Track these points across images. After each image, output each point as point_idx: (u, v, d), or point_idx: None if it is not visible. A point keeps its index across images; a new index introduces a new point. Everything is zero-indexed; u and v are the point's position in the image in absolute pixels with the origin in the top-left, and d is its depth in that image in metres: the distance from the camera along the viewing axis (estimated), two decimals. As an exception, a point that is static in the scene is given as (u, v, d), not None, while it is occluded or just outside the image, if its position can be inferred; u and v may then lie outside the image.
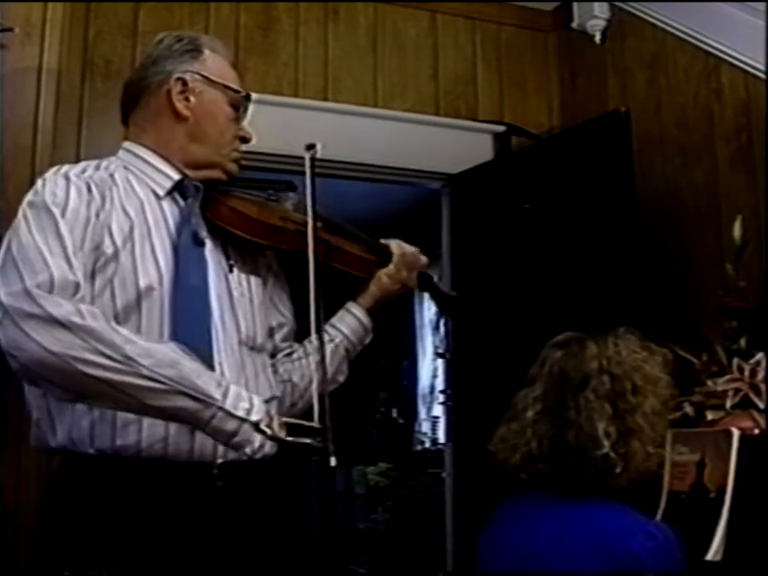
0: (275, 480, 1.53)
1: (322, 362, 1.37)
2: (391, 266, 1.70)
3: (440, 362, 4.85)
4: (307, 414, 1.40)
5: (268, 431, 1.30)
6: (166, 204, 1.50)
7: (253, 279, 1.57)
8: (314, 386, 1.37)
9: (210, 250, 1.51)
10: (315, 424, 1.29)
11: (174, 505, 1.37)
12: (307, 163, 1.49)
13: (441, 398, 4.45)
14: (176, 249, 1.45)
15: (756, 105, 2.37)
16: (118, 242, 1.41)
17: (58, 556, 1.38)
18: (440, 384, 5.15)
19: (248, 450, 1.34)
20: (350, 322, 1.67)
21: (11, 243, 1.34)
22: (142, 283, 1.40)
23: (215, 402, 1.30)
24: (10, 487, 1.89)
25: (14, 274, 1.29)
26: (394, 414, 6.22)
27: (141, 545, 1.34)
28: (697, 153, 2.58)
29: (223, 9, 2.80)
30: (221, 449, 1.40)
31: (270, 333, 1.63)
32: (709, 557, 1.77)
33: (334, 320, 1.68)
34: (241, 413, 1.31)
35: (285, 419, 1.34)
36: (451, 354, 3.16)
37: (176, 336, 1.39)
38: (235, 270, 1.54)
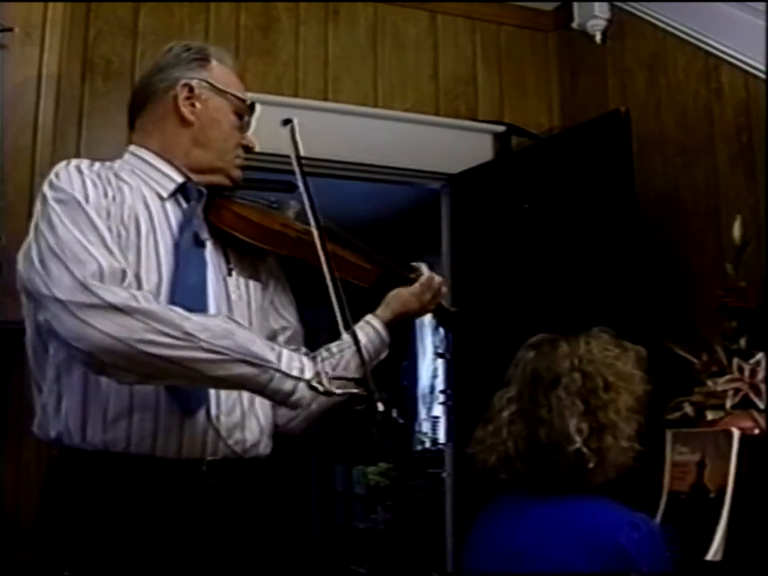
0: (268, 479, 1.53)
1: (355, 339, 1.42)
2: (417, 285, 1.73)
3: (440, 361, 4.85)
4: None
5: (320, 387, 1.34)
6: (170, 206, 1.52)
7: (252, 284, 1.59)
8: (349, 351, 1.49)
9: (209, 253, 1.53)
10: (356, 375, 1.38)
11: (163, 502, 1.37)
12: (290, 138, 1.49)
13: (441, 397, 4.45)
14: (177, 249, 1.47)
15: (756, 105, 2.37)
16: (131, 230, 1.44)
17: (50, 552, 1.39)
18: (440, 384, 5.16)
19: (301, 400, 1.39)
20: (368, 333, 1.68)
21: (48, 240, 1.35)
22: (142, 279, 1.41)
23: (272, 365, 1.34)
24: (10, 486, 1.89)
25: (62, 268, 1.31)
26: (394, 414, 6.21)
27: (131, 543, 1.35)
28: (697, 153, 2.58)
29: (223, 9, 2.80)
30: (209, 447, 1.41)
31: (274, 336, 1.64)
32: (709, 557, 1.77)
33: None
34: (296, 372, 1.35)
35: (331, 374, 1.40)
36: (451, 354, 3.16)
37: None
38: (234, 273, 1.56)
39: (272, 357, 1.35)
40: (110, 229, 1.39)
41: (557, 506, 1.45)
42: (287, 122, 1.51)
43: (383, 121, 2.96)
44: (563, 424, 1.45)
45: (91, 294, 1.29)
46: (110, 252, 1.35)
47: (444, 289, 1.78)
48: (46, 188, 1.41)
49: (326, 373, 1.39)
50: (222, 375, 1.32)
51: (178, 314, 1.32)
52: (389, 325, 1.70)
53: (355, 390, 1.35)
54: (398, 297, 1.72)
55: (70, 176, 1.42)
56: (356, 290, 1.66)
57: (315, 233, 1.44)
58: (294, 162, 1.48)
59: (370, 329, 1.68)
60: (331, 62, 2.94)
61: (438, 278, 1.76)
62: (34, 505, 1.86)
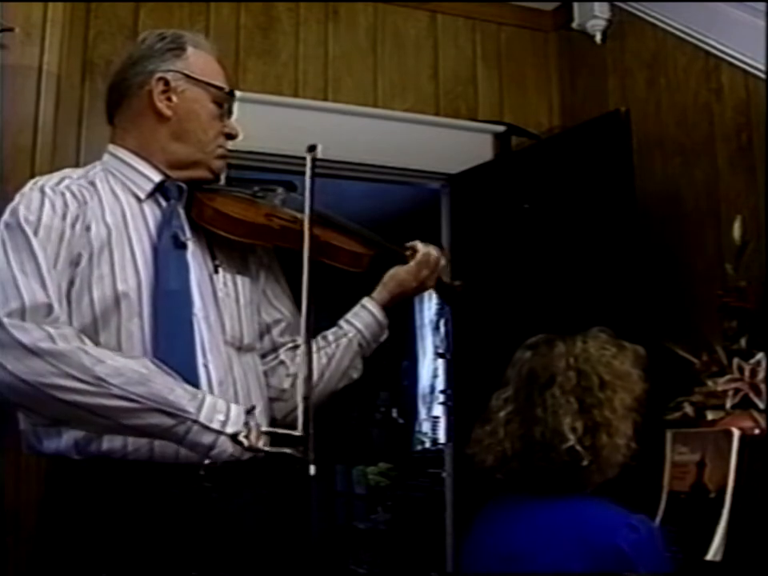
0: (266, 480, 1.52)
1: (308, 364, 1.32)
2: (412, 264, 1.69)
3: (440, 361, 4.85)
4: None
5: (245, 442, 1.28)
6: (147, 207, 1.49)
7: (239, 279, 1.56)
8: (299, 391, 1.32)
9: (193, 251, 1.50)
10: (297, 432, 1.26)
11: (162, 506, 1.36)
12: (308, 165, 1.48)
13: (441, 398, 4.45)
14: (156, 252, 1.45)
15: (756, 105, 2.37)
16: (95, 248, 1.41)
17: (50, 556, 1.39)
18: (440, 384, 5.16)
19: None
20: (364, 317, 1.66)
21: None
22: (120, 288, 1.39)
23: (189, 416, 1.28)
24: (10, 487, 1.89)
25: None
26: (394, 413, 6.22)
27: (130, 547, 1.34)
28: (697, 153, 2.58)
29: (223, 9, 2.80)
30: None
31: (267, 329, 1.62)
32: (709, 557, 1.77)
33: (348, 315, 1.67)
34: (216, 425, 1.29)
35: (265, 428, 1.32)
36: (451, 354, 3.16)
37: (157, 340, 1.39)
38: (221, 270, 1.53)
39: (190, 407, 1.29)
40: (56, 256, 1.37)
41: (555, 506, 1.45)
42: (312, 148, 1.45)
43: (383, 121, 2.96)
44: (557, 422, 1.45)
45: (4, 331, 1.27)
46: (43, 284, 1.33)
47: (443, 262, 1.73)
48: (7, 210, 1.41)
49: (258, 426, 1.31)
50: (135, 423, 1.29)
51: (91, 356, 1.29)
52: (387, 307, 1.67)
53: (287, 450, 1.26)
54: (395, 277, 1.69)
55: (30, 198, 1.41)
56: (355, 273, 1.64)
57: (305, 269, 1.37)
58: (307, 191, 1.43)
59: (365, 313, 1.66)
60: (331, 62, 2.94)
61: (434, 253, 1.72)
62: (34, 505, 1.86)
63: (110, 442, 1.36)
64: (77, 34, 2.53)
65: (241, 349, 1.52)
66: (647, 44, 2.81)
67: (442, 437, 5.12)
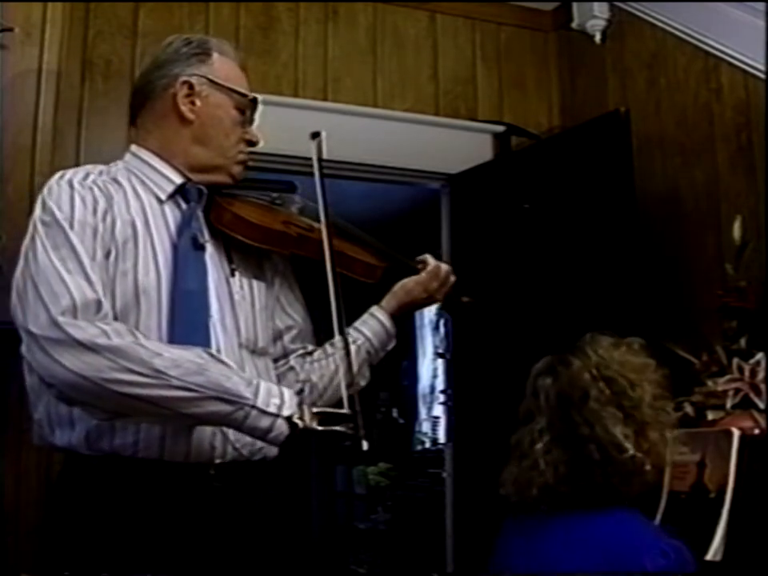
0: (275, 480, 1.52)
1: (346, 349, 1.38)
2: (423, 274, 1.71)
3: (440, 361, 4.85)
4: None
5: (300, 423, 1.31)
6: (168, 208, 1.51)
7: (255, 283, 1.58)
8: (341, 373, 1.38)
9: (211, 254, 1.51)
10: (345, 410, 1.31)
11: (171, 506, 1.37)
12: (314, 152, 1.48)
13: (441, 398, 4.45)
14: (176, 252, 1.46)
15: (756, 105, 2.36)
16: (120, 243, 1.42)
17: (57, 556, 1.39)
18: (440, 384, 5.16)
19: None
20: (372, 326, 1.67)
21: (30, 266, 1.35)
22: (141, 286, 1.41)
23: (247, 402, 1.31)
24: (10, 487, 1.89)
25: (38, 302, 1.31)
26: (394, 413, 6.22)
27: (139, 546, 1.34)
28: (697, 153, 2.58)
29: (223, 9, 2.80)
30: (218, 450, 1.41)
31: (279, 335, 1.64)
32: (709, 557, 1.77)
33: (357, 323, 1.68)
34: (272, 409, 1.32)
35: (315, 409, 1.35)
36: (451, 354, 3.16)
37: (173, 339, 1.40)
38: (237, 273, 1.54)
39: (247, 393, 1.32)
40: (94, 251, 1.38)
41: (587, 519, 1.43)
42: (315, 135, 1.49)
43: (383, 121, 2.96)
44: (609, 435, 1.42)
45: (60, 330, 1.28)
46: (88, 280, 1.34)
47: (452, 278, 1.76)
48: (37, 205, 1.41)
49: (309, 407, 1.34)
50: (195, 412, 1.31)
51: (148, 350, 1.31)
52: (395, 316, 1.69)
53: (339, 428, 1.30)
54: (404, 286, 1.71)
55: (60, 193, 1.41)
56: (364, 283, 1.66)
57: (326, 245, 1.43)
58: (316, 174, 1.46)
59: (374, 321, 1.68)
60: (331, 62, 2.94)
61: (445, 267, 1.74)
62: (34, 505, 1.86)
63: (122, 438, 1.37)
64: (76, 34, 2.54)
65: (255, 352, 1.53)
66: (647, 44, 2.81)
67: (442, 437, 5.12)
